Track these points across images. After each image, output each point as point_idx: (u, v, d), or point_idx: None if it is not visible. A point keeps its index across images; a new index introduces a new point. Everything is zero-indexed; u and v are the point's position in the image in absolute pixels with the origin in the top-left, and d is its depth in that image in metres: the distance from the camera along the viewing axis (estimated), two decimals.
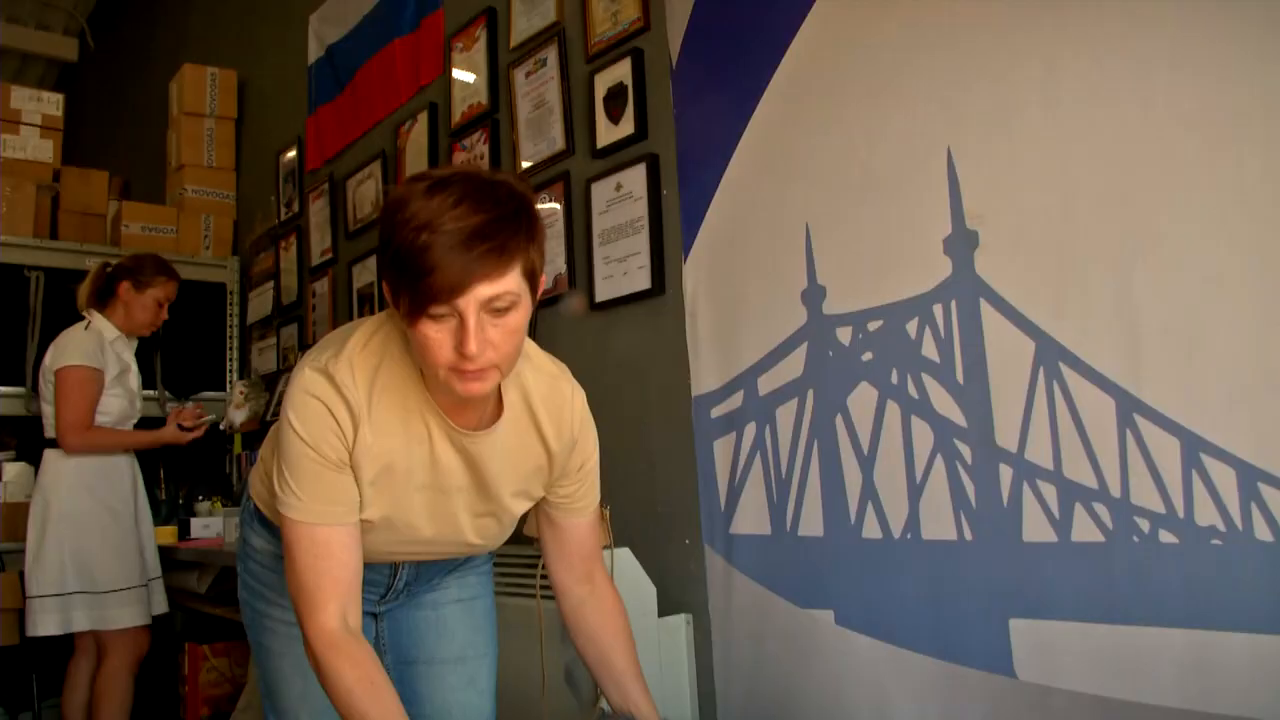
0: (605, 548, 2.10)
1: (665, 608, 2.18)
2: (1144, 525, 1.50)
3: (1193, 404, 1.46)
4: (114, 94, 6.61)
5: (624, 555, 2.12)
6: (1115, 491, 1.54)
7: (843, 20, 1.98)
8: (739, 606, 2.12)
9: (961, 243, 1.75)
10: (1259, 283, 1.41)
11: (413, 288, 1.11)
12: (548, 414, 1.35)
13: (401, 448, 1.27)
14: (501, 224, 1.12)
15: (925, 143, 1.81)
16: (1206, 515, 1.44)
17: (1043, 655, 1.62)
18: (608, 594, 1.49)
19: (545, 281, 1.17)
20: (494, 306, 1.13)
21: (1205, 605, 1.44)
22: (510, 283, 1.13)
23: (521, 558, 2.18)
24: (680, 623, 2.21)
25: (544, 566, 1.52)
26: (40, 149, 4.53)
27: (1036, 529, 1.63)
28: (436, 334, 1.13)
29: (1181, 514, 1.47)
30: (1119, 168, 1.55)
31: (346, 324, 1.35)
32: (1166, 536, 1.48)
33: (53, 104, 4.62)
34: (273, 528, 1.45)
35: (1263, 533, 1.38)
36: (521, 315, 1.16)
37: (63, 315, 3.93)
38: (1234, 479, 1.42)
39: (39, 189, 4.33)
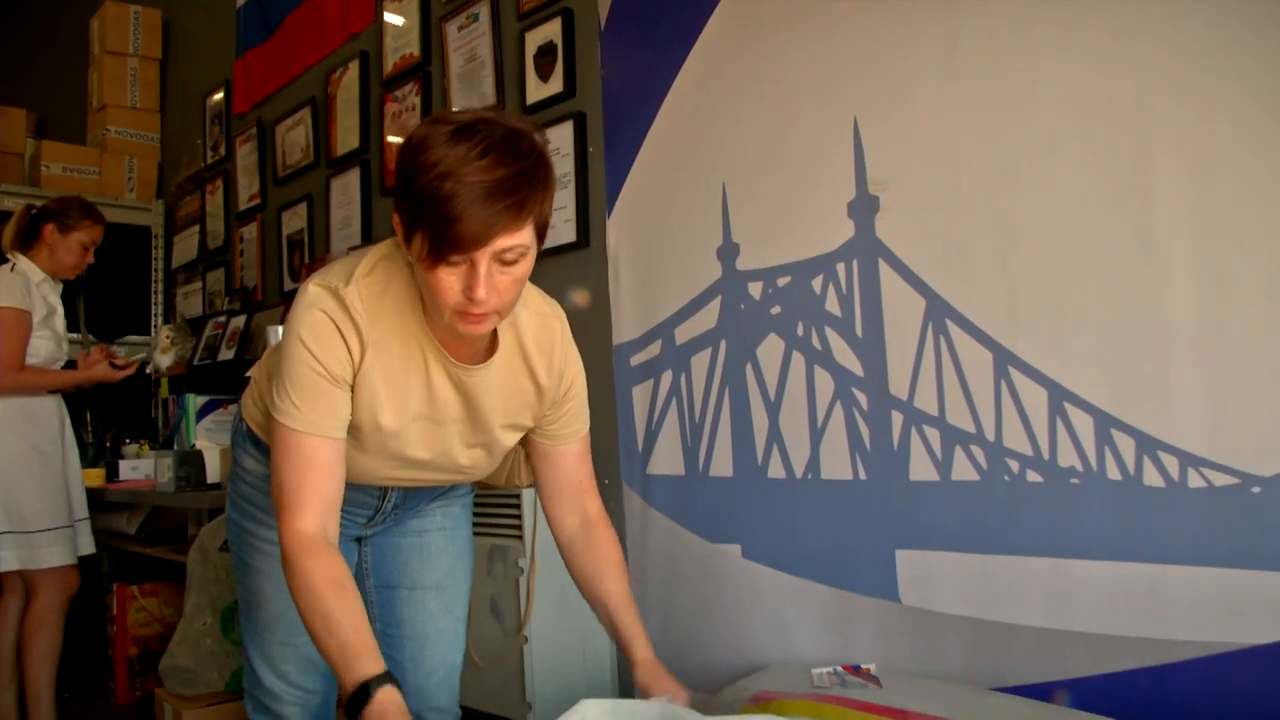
0: (528, 486, 2.22)
1: None
2: (1014, 466, 1.68)
3: (1059, 358, 1.63)
4: (29, 29, 6.41)
5: None
6: (990, 436, 1.71)
7: None
8: (655, 541, 2.27)
9: (864, 207, 1.89)
10: (1119, 252, 1.57)
11: (434, 234, 1.14)
12: (539, 351, 1.40)
13: (400, 374, 1.32)
14: (523, 179, 1.14)
15: (834, 112, 1.94)
16: (1067, 457, 1.62)
17: (924, 582, 1.79)
18: (600, 526, 1.52)
19: (546, 233, 1.24)
20: (504, 258, 1.17)
21: (1064, 537, 1.62)
22: (524, 236, 1.17)
23: None
24: None
25: (540, 503, 1.56)
26: None
27: (922, 469, 1.80)
28: (448, 278, 1.18)
29: (1046, 456, 1.64)
30: (1004, 143, 1.70)
31: (352, 253, 1.39)
32: (1033, 476, 1.66)
33: None
34: (264, 448, 1.49)
35: (1114, 473, 1.57)
36: (528, 265, 1.22)
37: None
38: (1091, 425, 1.59)
39: None
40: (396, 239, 1.28)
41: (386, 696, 1.16)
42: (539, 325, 1.41)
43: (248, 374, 1.64)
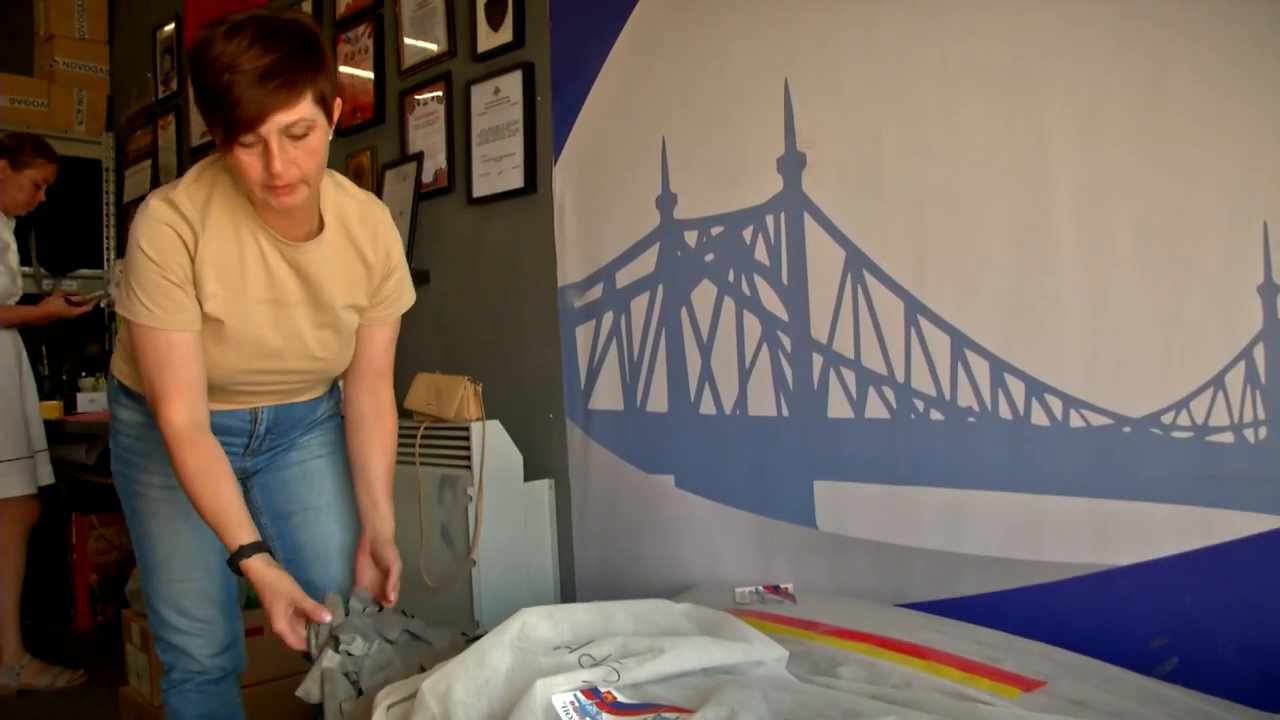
0: (477, 420, 2.36)
1: (530, 474, 2.46)
2: (920, 406, 1.84)
3: (961, 308, 1.79)
4: None
5: (494, 427, 2.38)
6: (900, 378, 1.87)
7: None
8: (595, 472, 2.42)
9: (792, 163, 2.02)
10: (1015, 213, 1.72)
11: (223, 120, 1.30)
12: (363, 231, 1.56)
13: (235, 257, 1.46)
14: (290, 60, 1.30)
15: (766, 71, 2.06)
16: (966, 398, 1.78)
17: (838, 510, 1.97)
18: (386, 414, 1.69)
19: (339, 106, 1.40)
20: (291, 132, 1.32)
21: (961, 469, 1.80)
22: (303, 110, 1.32)
23: (404, 428, 2.41)
24: (544, 486, 2.50)
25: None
26: None
27: (839, 407, 1.96)
28: (247, 158, 1.33)
29: (948, 397, 1.81)
30: (918, 110, 1.84)
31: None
32: (936, 415, 1.82)
33: None
34: (136, 396, 1.62)
35: (1005, 412, 1.74)
36: (319, 137, 1.36)
37: None
38: (987, 370, 1.76)
39: None
40: (214, 154, 1.45)
41: (254, 561, 1.43)
42: (361, 211, 1.57)
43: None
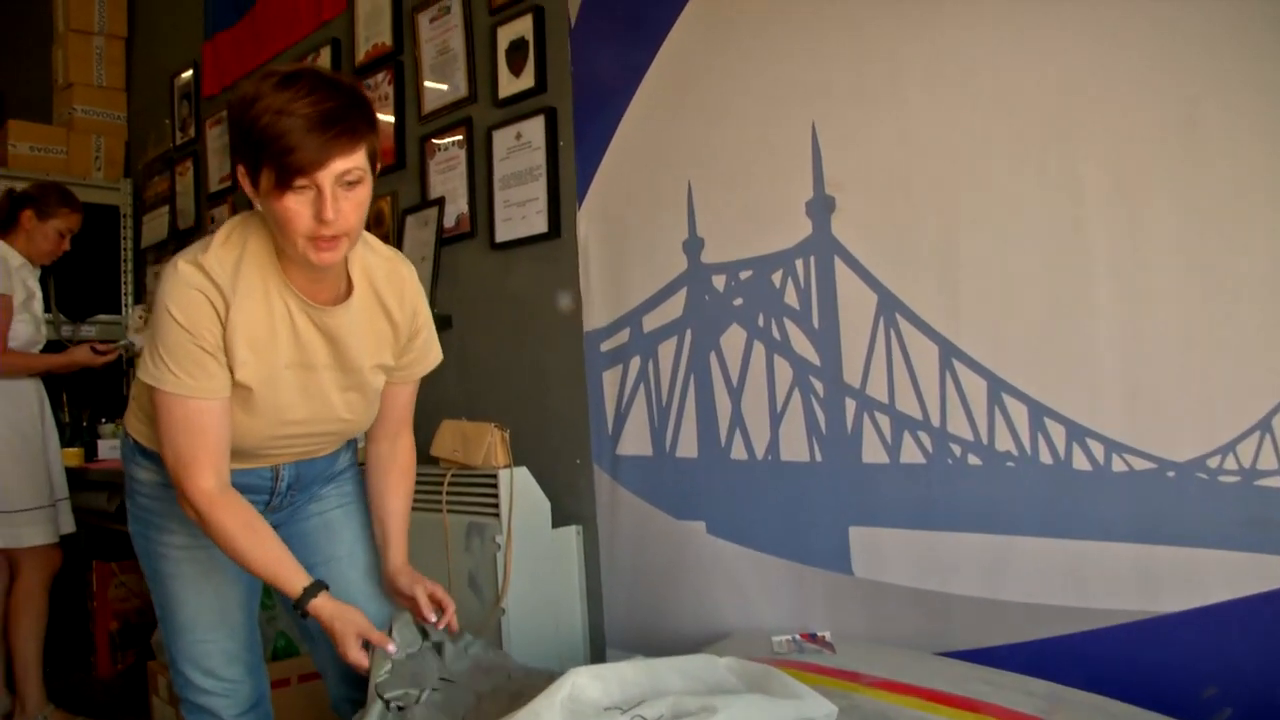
0: (505, 466, 2.35)
1: (558, 520, 2.44)
2: (956, 450, 1.83)
3: (998, 352, 1.78)
4: None
5: (522, 473, 2.37)
6: (935, 422, 1.85)
7: (723, 1, 2.20)
8: (623, 518, 2.40)
9: (821, 206, 2.02)
10: (1051, 255, 1.71)
11: (277, 165, 1.30)
12: (390, 290, 1.56)
13: (265, 322, 1.44)
14: (350, 109, 1.33)
15: (792, 115, 2.06)
16: (1004, 442, 1.77)
17: (874, 556, 1.94)
18: (405, 453, 1.73)
19: (379, 166, 1.43)
20: (346, 180, 1.33)
21: (1000, 515, 1.77)
22: (360, 159, 1.34)
23: (429, 475, 2.41)
24: (571, 533, 2.48)
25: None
26: None
27: (873, 452, 1.94)
28: (297, 205, 1.32)
29: (985, 441, 1.79)
30: (947, 150, 1.83)
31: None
32: (973, 459, 1.80)
33: None
34: (153, 456, 1.59)
35: (1045, 457, 1.72)
36: (366, 190, 1.38)
37: None
38: (1026, 414, 1.74)
39: None
40: (243, 214, 1.49)
41: (320, 600, 1.47)
42: (388, 269, 1.57)
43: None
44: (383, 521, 1.70)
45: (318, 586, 1.48)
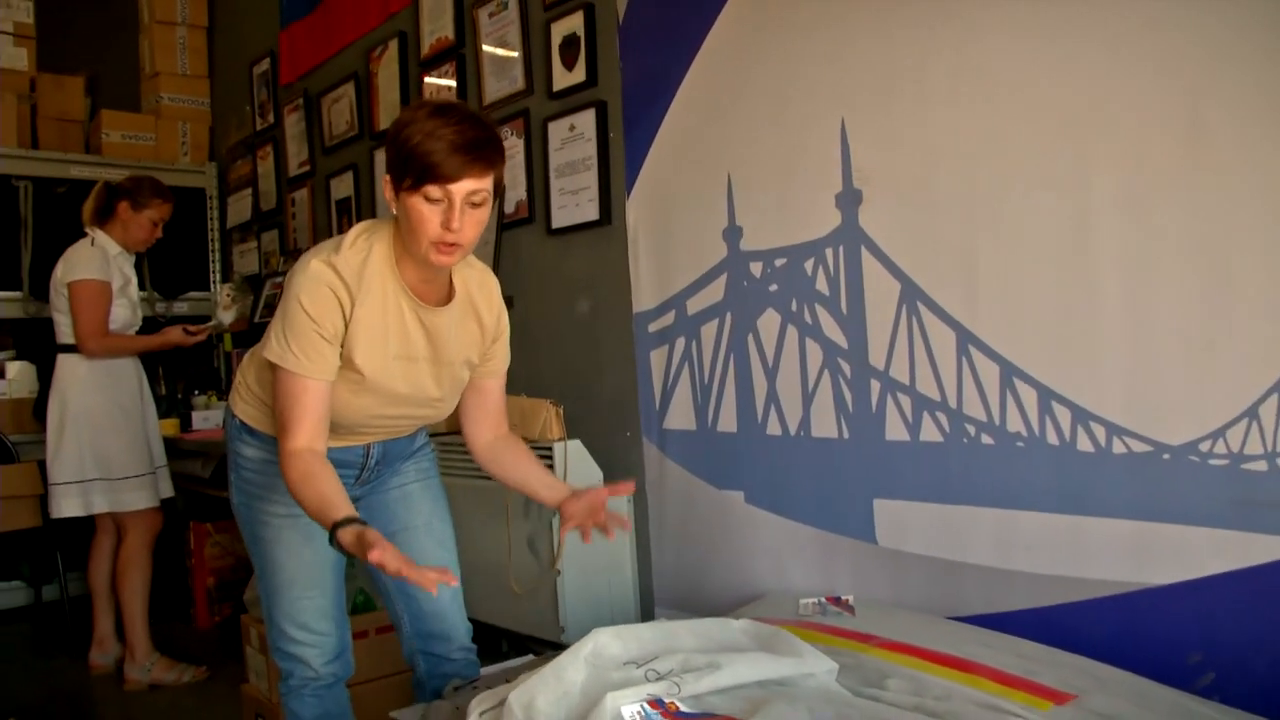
0: (559, 440, 2.54)
1: None
2: (971, 430, 1.96)
3: (1010, 339, 1.90)
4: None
5: (575, 446, 2.56)
6: (953, 403, 1.98)
7: (763, 2, 2.32)
8: (670, 488, 2.58)
9: (849, 199, 2.15)
10: (1061, 246, 1.82)
11: (418, 173, 1.52)
12: (482, 297, 1.79)
13: (381, 319, 1.66)
14: (487, 141, 1.56)
15: (823, 111, 2.18)
16: (1015, 424, 1.89)
17: (896, 527, 2.09)
18: (512, 437, 1.93)
19: (502, 194, 1.63)
20: (472, 200, 1.55)
21: (1011, 491, 1.90)
22: (487, 184, 1.56)
23: None
24: (622, 502, 2.65)
25: (460, 425, 1.92)
26: (14, 57, 4.68)
27: (896, 430, 2.08)
28: (429, 211, 1.55)
29: (998, 422, 1.92)
30: (967, 146, 1.94)
31: (337, 236, 1.74)
32: (986, 439, 1.93)
33: (24, 10, 4.76)
34: (258, 434, 1.84)
35: (1052, 438, 1.84)
36: (486, 210, 1.60)
37: (51, 223, 4.24)
38: (1035, 397, 1.86)
39: (18, 99, 4.54)
40: (369, 221, 1.72)
41: (350, 528, 1.48)
42: (480, 278, 1.82)
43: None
44: (533, 485, 1.87)
45: (349, 520, 1.50)
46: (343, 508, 1.54)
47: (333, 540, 1.51)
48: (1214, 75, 1.64)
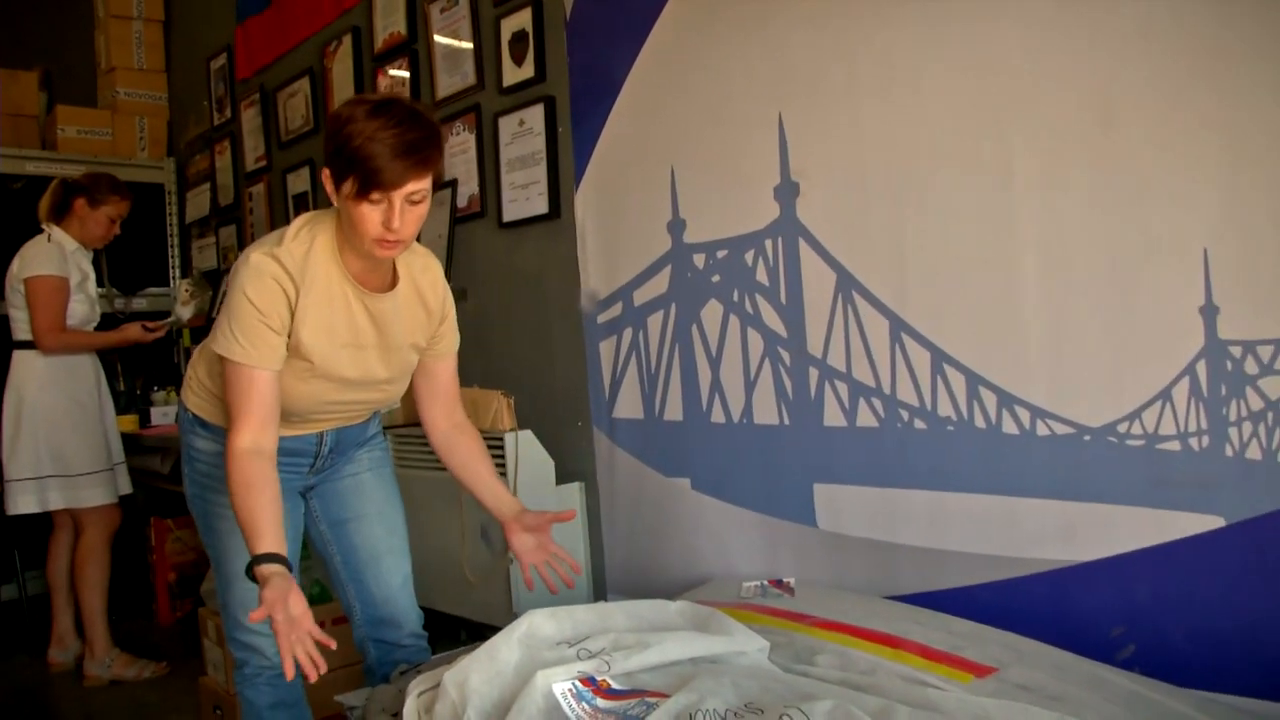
0: (510, 430, 2.58)
1: (561, 478, 2.67)
2: (905, 415, 2.02)
3: (939, 326, 1.96)
4: None
5: (526, 436, 2.59)
6: (887, 389, 2.04)
7: (703, 1, 2.36)
8: (620, 476, 2.63)
9: (787, 192, 2.20)
10: (985, 238, 1.88)
11: (362, 180, 1.55)
12: (426, 282, 1.83)
13: (326, 307, 1.70)
14: (426, 141, 1.58)
15: (761, 106, 2.23)
16: (945, 408, 1.95)
17: (835, 510, 2.15)
18: (469, 427, 1.97)
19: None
20: (411, 199, 1.59)
21: (942, 473, 1.97)
22: (426, 182, 1.60)
23: None
24: (574, 489, 2.71)
25: (416, 408, 1.97)
26: None
27: (833, 416, 2.14)
28: (371, 213, 1.59)
29: (929, 407, 1.98)
30: (897, 142, 2.00)
31: (280, 228, 1.78)
32: (919, 424, 1.99)
33: None
34: (212, 428, 1.87)
35: (980, 422, 1.90)
36: (426, 206, 1.64)
37: (7, 220, 4.20)
38: (964, 382, 1.92)
39: None
40: (311, 213, 1.75)
41: (269, 568, 1.53)
42: (423, 263, 1.85)
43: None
44: (482, 484, 1.93)
45: (275, 559, 1.55)
46: (267, 539, 1.58)
47: (249, 571, 1.57)
48: (1125, 72, 1.70)
